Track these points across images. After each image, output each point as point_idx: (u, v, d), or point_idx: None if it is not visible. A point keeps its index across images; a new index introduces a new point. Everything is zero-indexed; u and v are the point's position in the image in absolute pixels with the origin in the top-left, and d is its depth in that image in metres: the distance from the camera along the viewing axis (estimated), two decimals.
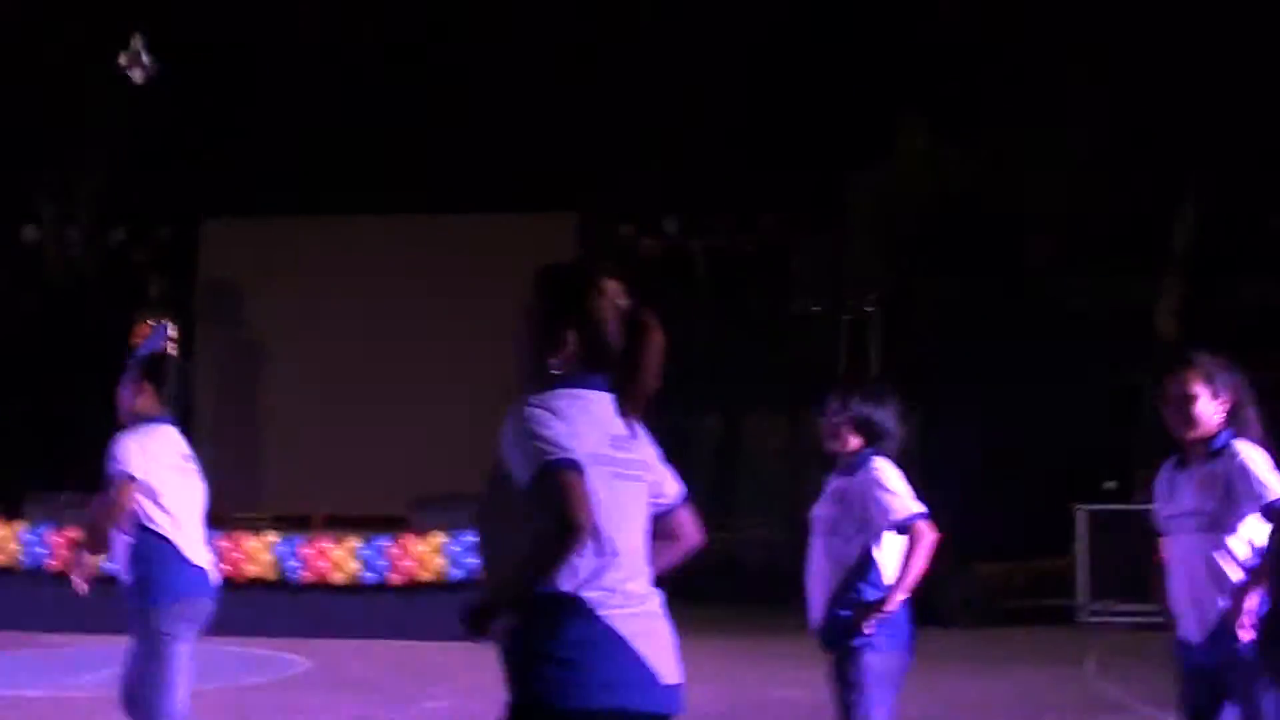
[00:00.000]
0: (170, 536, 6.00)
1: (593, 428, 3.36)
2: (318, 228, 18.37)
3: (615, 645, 3.26)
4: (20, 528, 14.20)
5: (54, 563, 13.94)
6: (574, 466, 3.22)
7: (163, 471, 6.03)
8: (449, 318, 17.13)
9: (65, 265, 20.15)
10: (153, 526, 5.97)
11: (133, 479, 5.88)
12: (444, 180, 19.79)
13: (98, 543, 6.13)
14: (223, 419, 17.44)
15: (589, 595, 3.26)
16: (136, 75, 16.52)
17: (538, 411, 3.33)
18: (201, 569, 6.12)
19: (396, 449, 16.62)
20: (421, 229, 17.93)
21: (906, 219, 18.30)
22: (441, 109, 20.20)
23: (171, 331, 18.09)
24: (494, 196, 18.81)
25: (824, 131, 18.17)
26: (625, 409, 3.43)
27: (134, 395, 6.20)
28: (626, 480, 3.40)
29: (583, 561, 3.24)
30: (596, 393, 3.40)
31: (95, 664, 11.17)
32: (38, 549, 14.05)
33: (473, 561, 12.98)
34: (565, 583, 3.23)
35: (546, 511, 3.18)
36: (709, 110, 18.61)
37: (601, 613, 3.25)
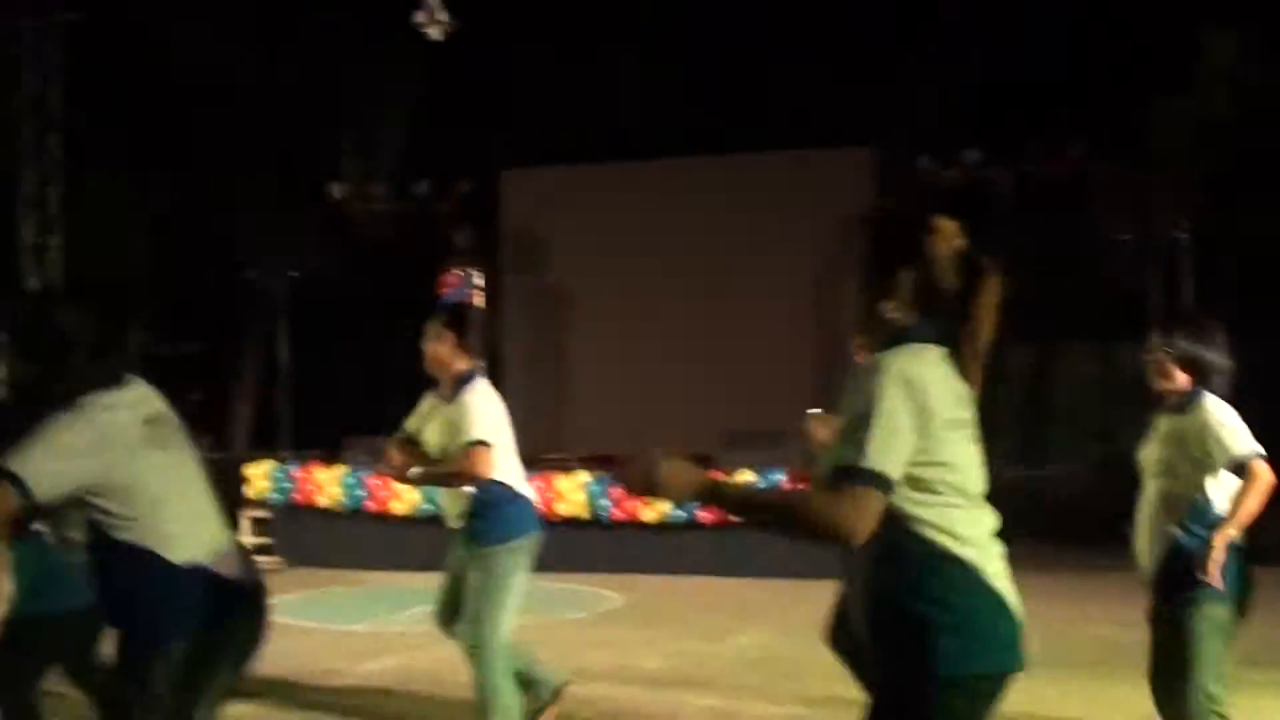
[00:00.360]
0: (510, 482, 6.36)
1: (946, 391, 3.25)
2: (615, 173, 18.53)
3: (1001, 603, 3.20)
4: (341, 470, 14.77)
5: (372, 504, 14.52)
6: (874, 478, 3.07)
7: (501, 425, 6.33)
8: (750, 256, 17.12)
9: (371, 219, 20.76)
10: (496, 475, 6.27)
11: (489, 446, 6.17)
12: (739, 120, 19.77)
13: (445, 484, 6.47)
14: (531, 363, 17.83)
15: (968, 553, 3.19)
16: (434, 32, 16.84)
17: (878, 391, 3.15)
18: (535, 508, 6.51)
19: (701, 388, 16.73)
20: (718, 169, 17.90)
21: (1211, 143, 17.56)
22: (735, 50, 20.17)
23: (476, 280, 18.52)
24: (790, 134, 18.70)
25: (1127, 53, 17.54)
26: (963, 360, 3.31)
27: (439, 346, 6.44)
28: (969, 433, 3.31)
29: (959, 515, 3.20)
30: (937, 348, 3.27)
31: (413, 600, 11.56)
32: (357, 491, 14.62)
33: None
34: (950, 543, 3.16)
35: (831, 515, 3.08)
36: (1005, 36, 18.14)
37: (983, 571, 3.19)
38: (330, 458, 15.38)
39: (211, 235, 22.17)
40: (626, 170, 18.50)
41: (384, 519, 14.40)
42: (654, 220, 17.54)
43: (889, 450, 3.10)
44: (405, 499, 14.51)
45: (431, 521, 14.14)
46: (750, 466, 13.31)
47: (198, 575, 4.04)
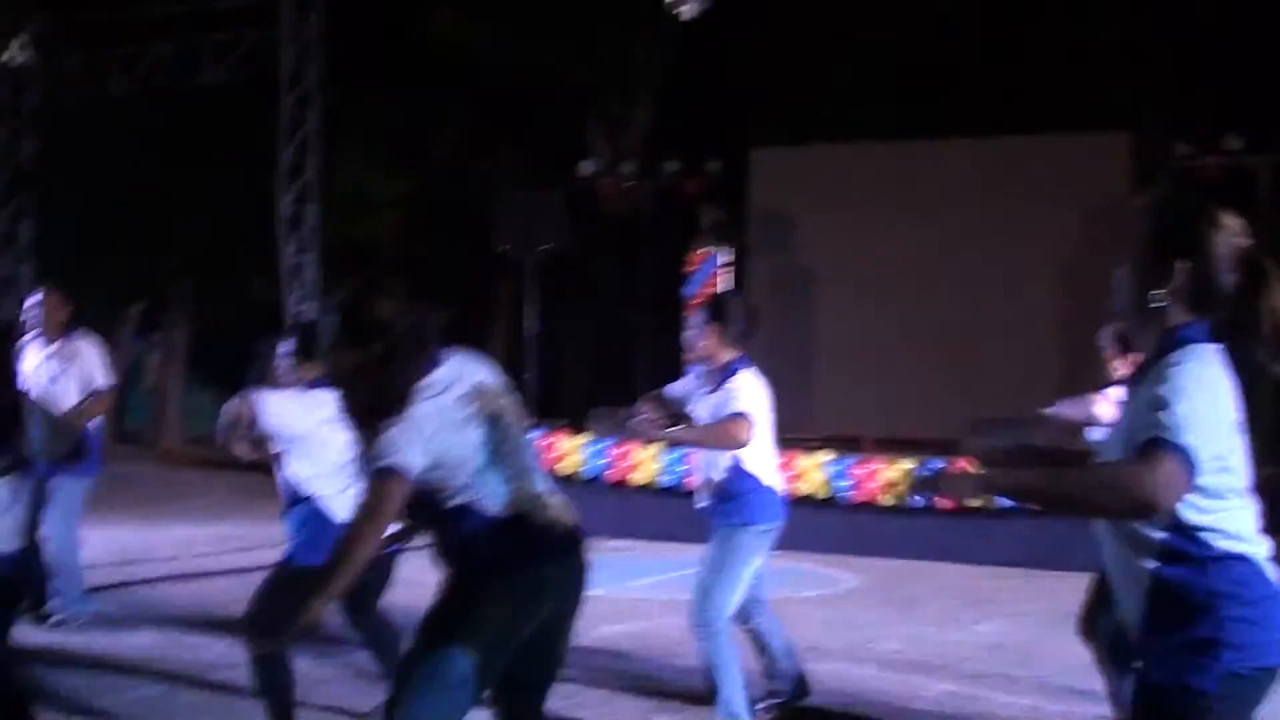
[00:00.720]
0: (760, 471, 6.56)
1: (1228, 393, 3.17)
2: (866, 153, 18.36)
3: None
4: (584, 440, 15.01)
5: (612, 474, 14.72)
6: (1182, 453, 3.01)
7: (763, 412, 6.52)
8: (1000, 240, 16.81)
9: (619, 197, 20.94)
10: (749, 457, 6.48)
11: (750, 420, 6.34)
12: (993, 102, 19.47)
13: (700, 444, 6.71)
14: (775, 343, 17.78)
15: (1250, 550, 3.15)
16: (686, 10, 16.90)
17: (1185, 380, 3.10)
18: (781, 497, 6.70)
19: (948, 373, 16.50)
20: (971, 151, 17.60)
21: None
22: (990, 31, 19.88)
23: (722, 259, 18.58)
24: (1045, 117, 18.33)
25: None
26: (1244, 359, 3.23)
27: (702, 337, 6.63)
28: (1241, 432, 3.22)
29: (1241, 515, 3.17)
30: (1214, 347, 3.18)
31: (648, 569, 11.68)
32: (599, 461, 14.84)
33: None
34: (1234, 543, 3.13)
35: (1137, 484, 3.02)
36: (1268, 20, 17.51)
37: (1264, 566, 3.14)
38: (576, 428, 15.63)
39: (464, 207, 22.62)
40: (878, 150, 18.31)
41: (622, 488, 14.57)
42: (904, 202, 17.33)
43: (1193, 431, 3.04)
44: (644, 470, 14.67)
45: (667, 494, 14.35)
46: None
47: (522, 527, 4.31)
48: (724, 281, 18.27)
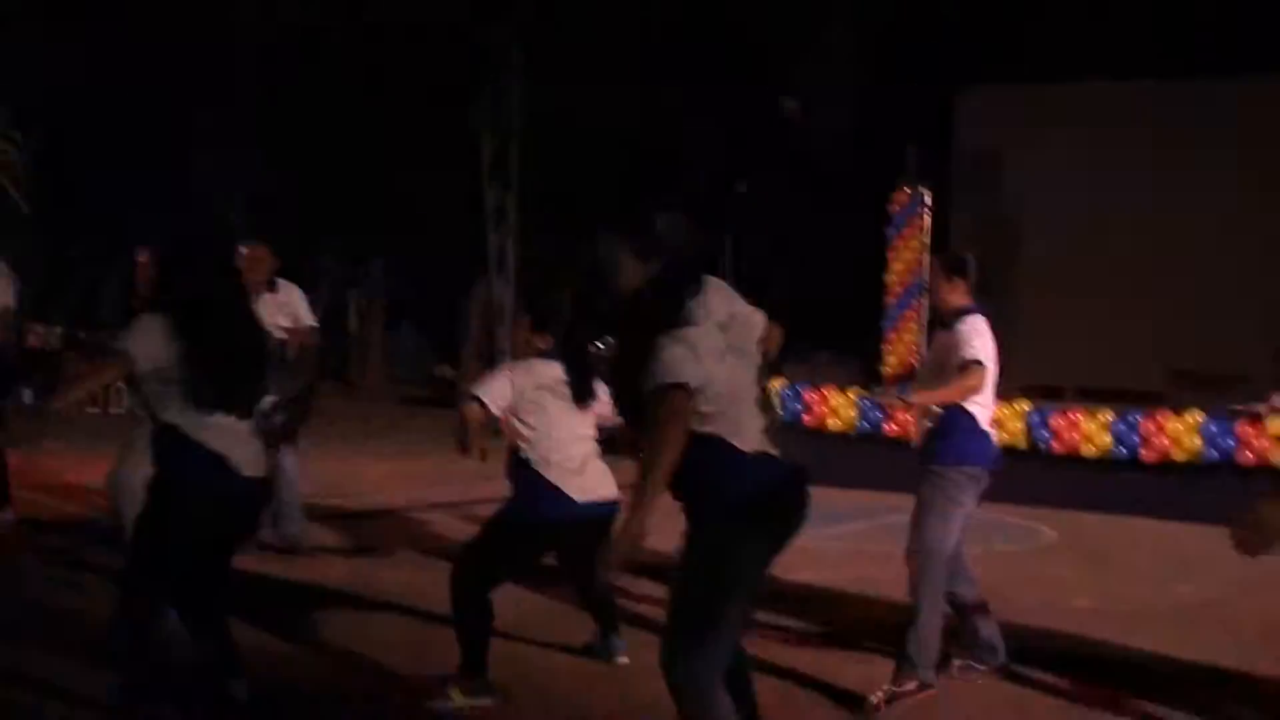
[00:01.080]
0: (978, 414, 6.65)
1: None
2: (1074, 94, 17.92)
3: None
4: (780, 385, 14.95)
5: (809, 418, 14.69)
6: None
7: (990, 358, 6.67)
8: (1211, 191, 16.31)
9: (823, 136, 20.78)
10: (974, 401, 6.62)
11: (983, 367, 6.55)
12: (1208, 41, 18.80)
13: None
14: (975, 287, 17.59)
15: None
16: None
17: None
18: (995, 444, 6.80)
19: (1154, 322, 16.12)
20: (1185, 92, 17.07)
21: None
22: None
23: (927, 199, 18.31)
24: (1260, 58, 17.67)
25: None
26: None
27: (944, 290, 6.93)
28: None
29: None
30: None
31: (847, 516, 11.64)
32: (795, 405, 14.82)
33: (1229, 443, 12.46)
34: None
35: None
36: None
37: None
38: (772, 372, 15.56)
39: (667, 146, 22.61)
40: (1087, 91, 17.85)
41: (820, 434, 14.51)
42: (1112, 146, 16.90)
43: None
44: (841, 416, 14.60)
45: (866, 440, 14.27)
46: (1199, 407, 12.78)
47: (761, 461, 4.43)
48: (925, 223, 18.01)
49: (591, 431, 6.71)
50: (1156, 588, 9.52)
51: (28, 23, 21.38)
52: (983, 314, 6.79)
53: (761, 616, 7.13)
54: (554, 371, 6.61)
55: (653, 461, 4.22)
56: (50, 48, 21.89)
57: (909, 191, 18.25)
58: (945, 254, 7.47)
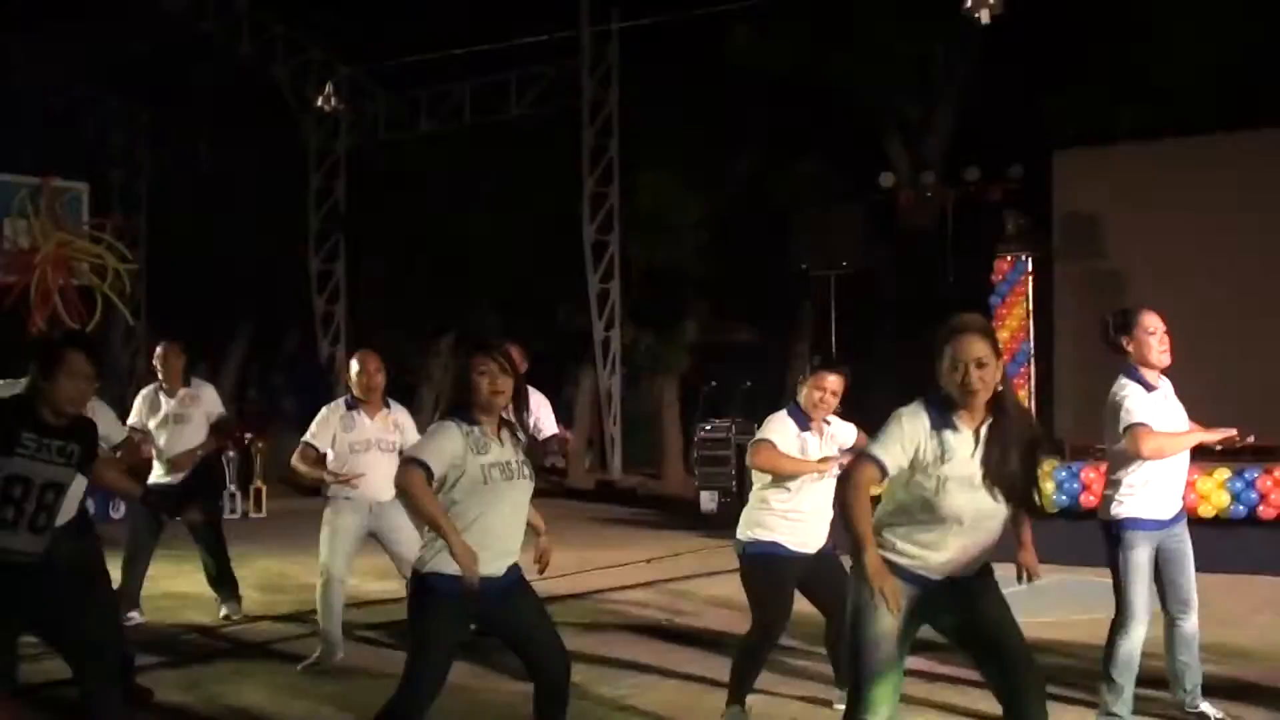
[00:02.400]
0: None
1: None
2: (1172, 149, 17.74)
3: None
4: None
5: None
6: None
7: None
8: None
9: (921, 207, 20.71)
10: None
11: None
12: None
13: None
14: (1082, 350, 17.34)
15: None
16: (984, 15, 16.66)
17: None
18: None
19: (1264, 377, 15.82)
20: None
21: None
22: None
23: (1029, 266, 18.17)
24: None
25: None
26: None
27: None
28: None
29: None
30: None
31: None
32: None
33: None
34: None
35: None
36: None
37: None
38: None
39: (763, 228, 22.70)
40: (1183, 145, 17.67)
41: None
42: (1214, 198, 16.66)
43: None
44: None
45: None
46: None
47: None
48: (1029, 289, 17.88)
49: None
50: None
51: None
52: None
53: None
54: None
55: (844, 515, 5.05)
56: None
57: (1010, 259, 18.15)
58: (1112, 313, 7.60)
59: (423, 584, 5.45)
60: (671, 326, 24.25)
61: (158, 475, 10.45)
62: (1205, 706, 7.02)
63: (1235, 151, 17.05)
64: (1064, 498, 13.75)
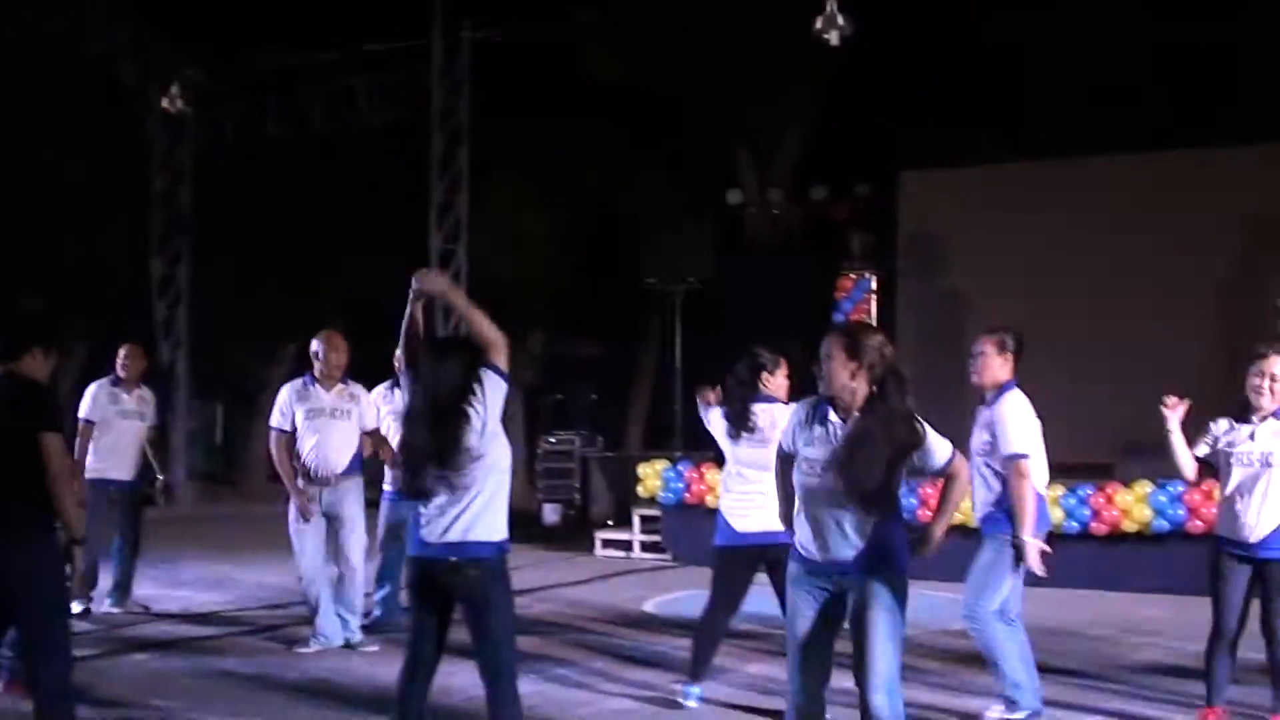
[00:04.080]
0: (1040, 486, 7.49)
1: None
2: (1016, 174, 18.13)
3: None
4: None
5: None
6: None
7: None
8: (1150, 259, 16.47)
9: (767, 225, 20.88)
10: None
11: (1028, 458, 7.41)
12: (1146, 117, 19.08)
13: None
14: (924, 368, 17.60)
15: None
16: (833, 37, 16.82)
17: None
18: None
19: (1098, 395, 16.18)
20: (1118, 169, 17.30)
21: None
22: (1146, 42, 19.51)
23: (873, 285, 18.43)
24: (1192, 131, 17.96)
25: None
26: None
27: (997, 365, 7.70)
28: None
29: None
30: None
31: None
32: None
33: (1179, 514, 12.45)
34: None
35: None
36: None
37: None
38: (723, 459, 15.47)
39: (612, 241, 22.72)
40: (1026, 170, 18.07)
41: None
42: (1056, 223, 17.07)
43: None
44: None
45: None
46: (1149, 478, 12.80)
47: None
48: (872, 307, 18.14)
49: None
50: (1117, 657, 9.47)
51: None
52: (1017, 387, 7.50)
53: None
54: None
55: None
56: None
57: (854, 277, 18.41)
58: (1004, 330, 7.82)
59: None
60: (517, 337, 24.11)
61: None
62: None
63: (1072, 178, 17.50)
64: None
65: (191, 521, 11.89)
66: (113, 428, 10.97)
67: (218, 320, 23.41)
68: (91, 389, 11.06)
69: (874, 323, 17.76)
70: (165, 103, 20.97)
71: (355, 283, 23.53)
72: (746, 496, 7.65)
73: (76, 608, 10.09)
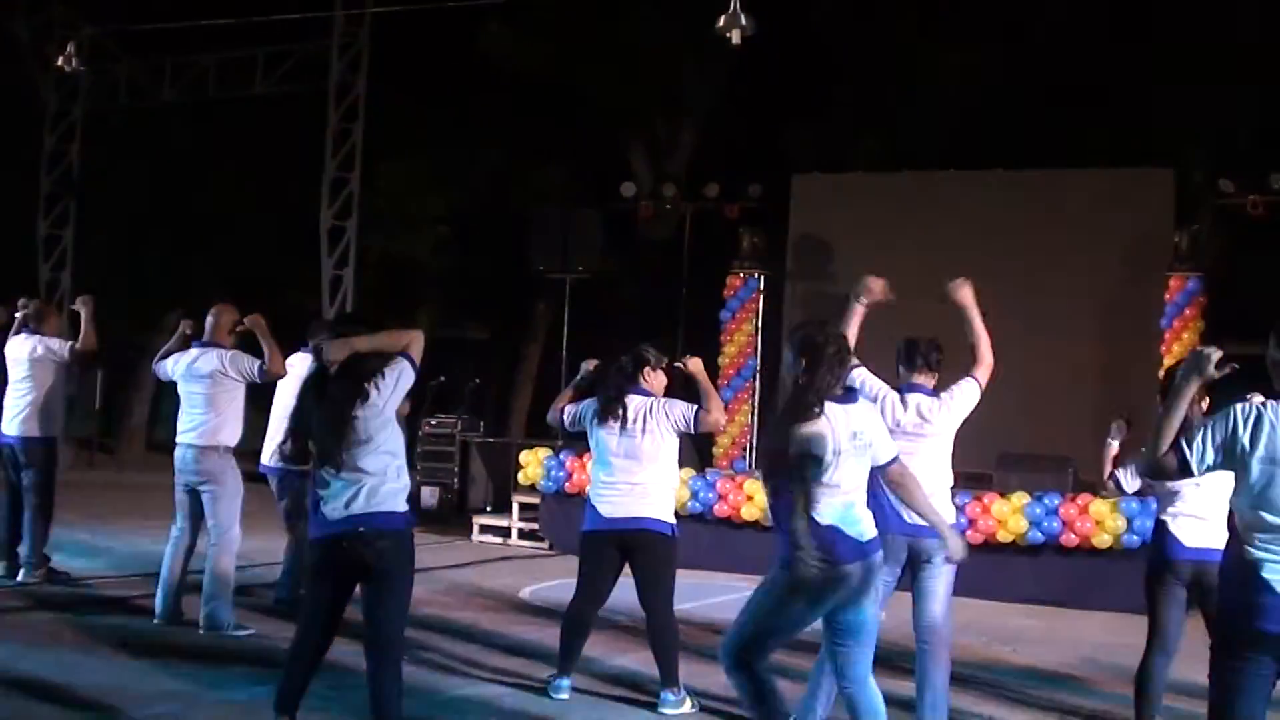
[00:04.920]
0: None
1: None
2: (907, 182, 18.33)
3: None
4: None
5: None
6: None
7: None
8: (1040, 275, 16.71)
9: (660, 219, 20.93)
10: None
11: None
12: (1033, 135, 19.41)
13: None
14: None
15: None
16: (735, 36, 16.85)
17: None
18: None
19: (983, 406, 16.38)
20: (1010, 184, 17.54)
21: None
22: (1030, 63, 19.84)
23: (760, 284, 18.52)
24: (1086, 151, 18.29)
25: None
26: None
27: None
28: None
29: None
30: None
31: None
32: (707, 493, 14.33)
33: (1054, 526, 12.64)
34: None
35: None
36: None
37: None
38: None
39: (503, 227, 22.69)
40: (918, 179, 18.27)
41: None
42: (943, 232, 17.27)
43: None
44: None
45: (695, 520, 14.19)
46: (1025, 490, 13.01)
47: None
48: (759, 306, 18.26)
49: None
50: (990, 665, 9.61)
51: None
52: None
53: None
54: None
55: None
56: None
57: (743, 276, 18.50)
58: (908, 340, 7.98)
59: None
60: (404, 318, 24.04)
61: None
62: None
63: (964, 189, 17.71)
64: None
65: (66, 487, 11.65)
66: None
67: (101, 285, 23.04)
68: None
69: (759, 323, 17.94)
70: (60, 61, 20.58)
71: (242, 253, 23.31)
72: (610, 484, 7.67)
73: None
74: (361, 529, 5.86)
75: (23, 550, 10.86)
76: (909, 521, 6.74)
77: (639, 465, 7.63)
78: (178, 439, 9.31)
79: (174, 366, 9.49)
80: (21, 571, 10.83)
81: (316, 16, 20.81)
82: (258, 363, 9.35)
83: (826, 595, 5.57)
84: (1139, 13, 19.31)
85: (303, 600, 6.09)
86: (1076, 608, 12.20)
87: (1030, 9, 19.97)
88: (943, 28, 20.35)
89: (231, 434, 9.36)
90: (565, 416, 8.09)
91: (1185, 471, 4.58)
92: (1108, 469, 7.52)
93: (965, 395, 7.26)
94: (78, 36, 20.86)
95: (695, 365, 8.09)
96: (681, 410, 7.72)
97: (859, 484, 5.80)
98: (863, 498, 5.82)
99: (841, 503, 5.64)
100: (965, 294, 7.21)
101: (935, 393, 7.31)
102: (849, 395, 5.88)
